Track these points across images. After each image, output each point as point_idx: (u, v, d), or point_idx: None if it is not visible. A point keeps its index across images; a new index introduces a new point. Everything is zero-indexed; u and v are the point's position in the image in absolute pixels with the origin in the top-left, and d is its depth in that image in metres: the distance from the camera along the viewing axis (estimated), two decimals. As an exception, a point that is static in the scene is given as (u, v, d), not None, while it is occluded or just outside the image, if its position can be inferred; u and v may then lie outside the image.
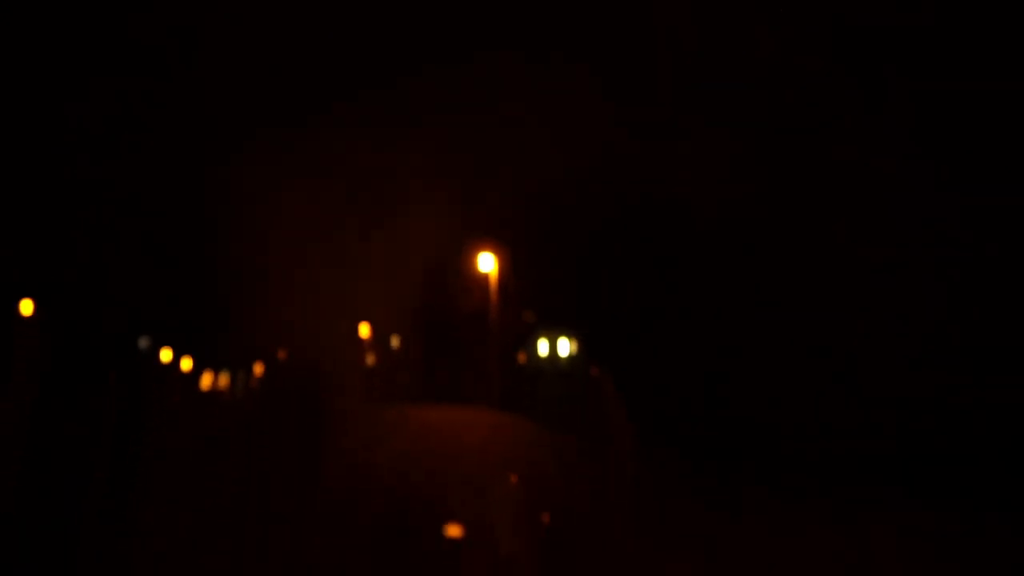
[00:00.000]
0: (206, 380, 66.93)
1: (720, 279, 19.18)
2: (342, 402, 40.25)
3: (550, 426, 24.12)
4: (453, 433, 21.99)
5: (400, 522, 9.38)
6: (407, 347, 47.62)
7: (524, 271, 29.19)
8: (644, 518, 10.97)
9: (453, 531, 8.84)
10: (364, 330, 59.71)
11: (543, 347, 41.80)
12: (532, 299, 30.94)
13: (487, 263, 30.13)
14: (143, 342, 62.96)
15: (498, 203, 27.09)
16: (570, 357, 37.42)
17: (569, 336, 36.64)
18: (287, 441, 20.61)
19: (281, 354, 64.40)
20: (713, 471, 14.98)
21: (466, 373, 36.34)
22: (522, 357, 42.25)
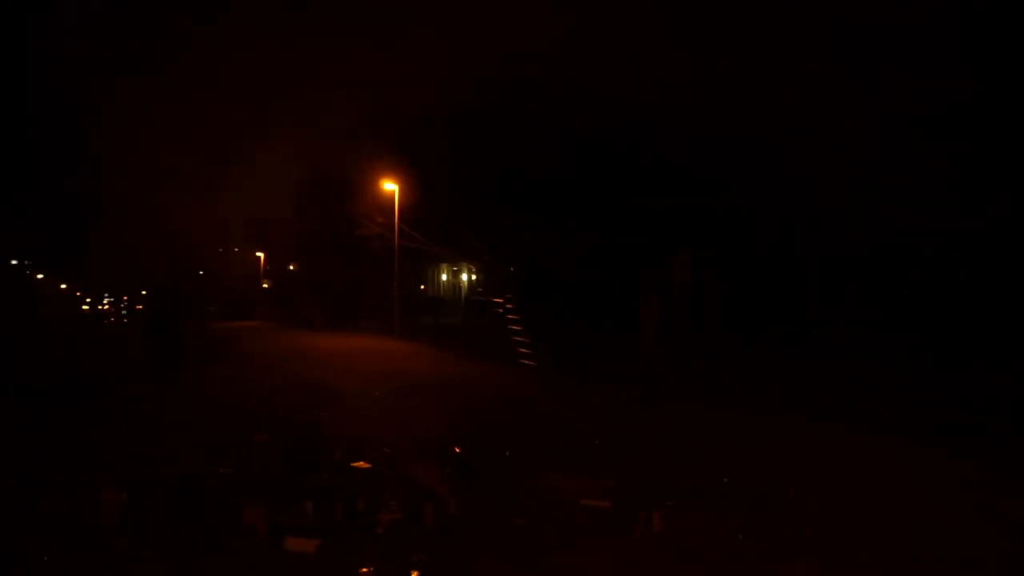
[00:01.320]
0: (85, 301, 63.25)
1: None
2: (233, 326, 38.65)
3: (454, 354, 23.65)
4: (356, 362, 21.17)
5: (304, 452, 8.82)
6: (305, 272, 46.06)
7: (430, 198, 28.16)
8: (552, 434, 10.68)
9: (360, 465, 8.20)
10: (261, 255, 57.48)
11: (444, 276, 41.13)
12: (434, 225, 30.00)
13: (391, 185, 28.91)
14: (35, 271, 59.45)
15: (402, 121, 25.74)
16: (471, 287, 36.92)
17: (471, 266, 36.01)
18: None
19: (160, 278, 61.20)
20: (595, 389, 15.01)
21: (366, 300, 35.32)
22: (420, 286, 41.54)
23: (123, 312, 61.86)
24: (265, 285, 55.37)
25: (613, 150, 19.27)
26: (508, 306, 24.21)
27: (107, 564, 5.90)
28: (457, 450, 9.12)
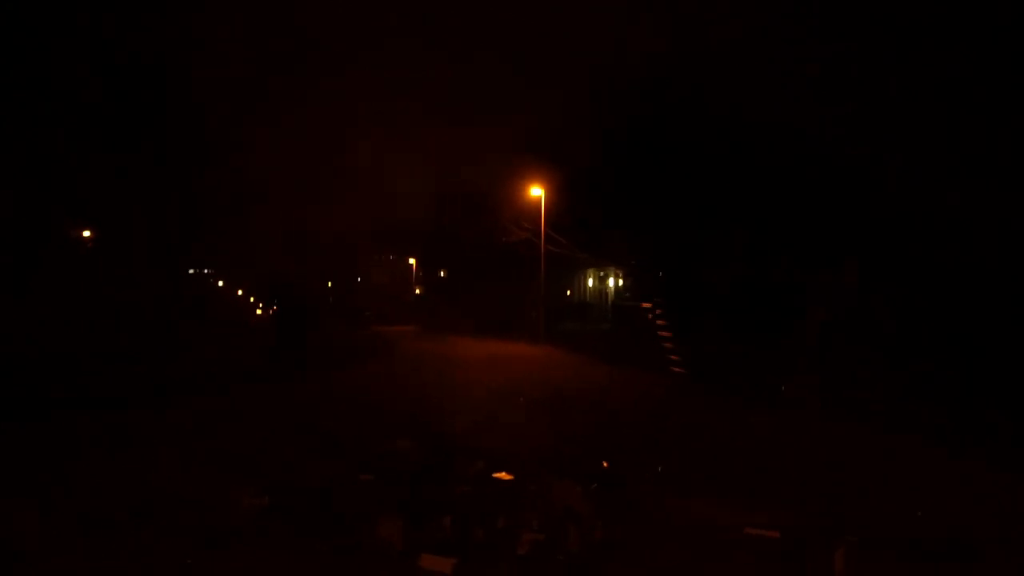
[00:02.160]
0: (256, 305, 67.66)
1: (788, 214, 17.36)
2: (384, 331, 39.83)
3: (600, 361, 22.93)
4: (501, 368, 20.94)
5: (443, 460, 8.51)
6: (454, 279, 46.89)
7: (574, 201, 27.61)
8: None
9: (503, 476, 7.71)
10: (412, 261, 59.32)
11: (591, 282, 40.44)
12: (580, 231, 29.43)
13: (537, 191, 28.62)
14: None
15: (547, 128, 25.38)
16: (618, 292, 35.97)
17: (618, 271, 35.09)
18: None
19: (332, 285, 64.43)
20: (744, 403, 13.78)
21: (513, 306, 35.25)
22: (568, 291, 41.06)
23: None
24: (417, 291, 57.03)
25: (773, 147, 17.88)
26: (657, 311, 23.19)
27: (234, 569, 5.71)
28: (604, 465, 8.45)
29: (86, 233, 36.00)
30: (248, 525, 6.43)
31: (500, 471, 8.10)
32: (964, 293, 12.73)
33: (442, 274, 51.38)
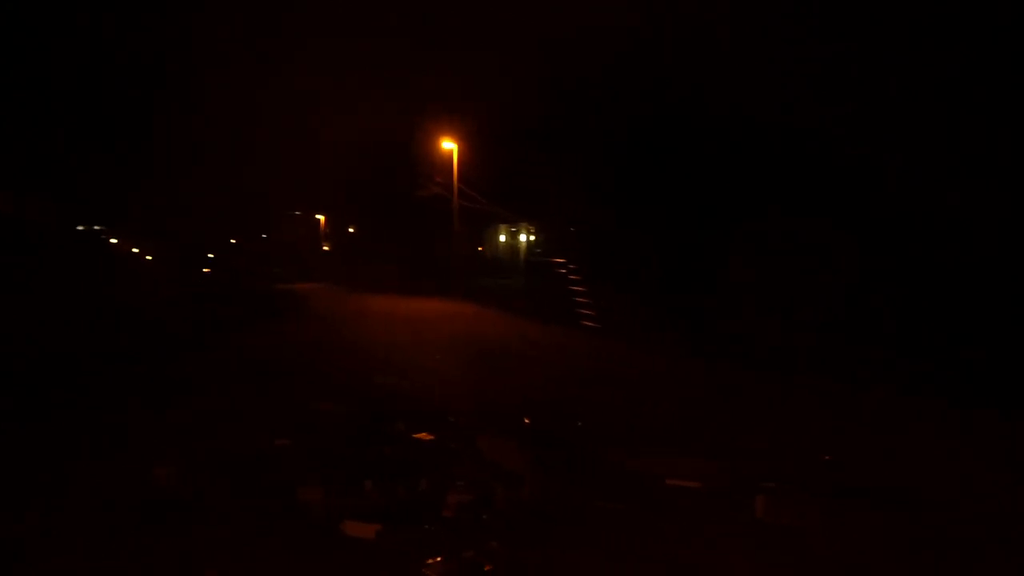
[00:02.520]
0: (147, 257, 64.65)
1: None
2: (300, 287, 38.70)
3: (515, 316, 22.92)
4: (416, 325, 20.63)
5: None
6: (364, 235, 45.85)
7: (484, 154, 27.24)
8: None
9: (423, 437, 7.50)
10: (321, 217, 57.59)
11: (503, 237, 40.30)
12: (492, 186, 29.12)
13: (449, 144, 28.04)
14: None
15: (457, 80, 24.85)
16: (530, 248, 36.00)
17: (529, 226, 35.07)
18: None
19: (236, 240, 62.10)
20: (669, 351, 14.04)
21: (425, 262, 34.78)
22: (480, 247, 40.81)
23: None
24: (325, 248, 55.54)
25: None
26: (570, 266, 23.30)
27: (152, 543, 5.32)
28: (527, 421, 8.37)
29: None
30: (165, 494, 6.02)
31: (422, 431, 7.90)
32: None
33: (351, 230, 50.21)
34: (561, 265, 24.02)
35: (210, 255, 63.17)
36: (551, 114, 23.14)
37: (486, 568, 4.97)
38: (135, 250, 61.78)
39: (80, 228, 48.48)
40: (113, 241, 60.62)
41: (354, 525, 5.47)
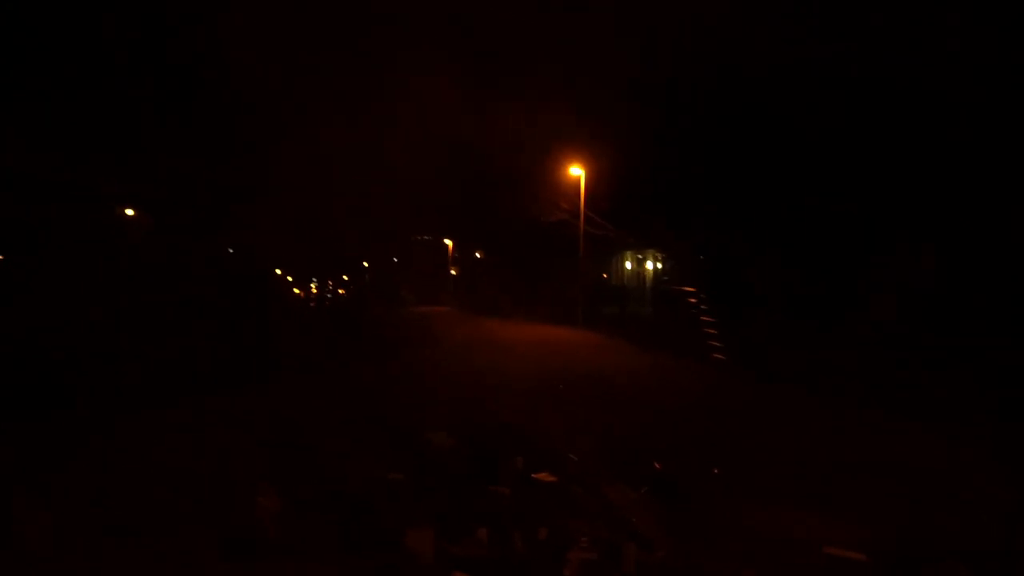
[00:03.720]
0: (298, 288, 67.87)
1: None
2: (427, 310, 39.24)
3: (641, 347, 21.99)
4: (538, 353, 20.13)
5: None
6: (491, 260, 46.10)
7: (613, 181, 26.55)
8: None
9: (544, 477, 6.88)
10: (449, 243, 58.62)
11: (628, 265, 39.32)
12: (619, 213, 28.38)
13: (577, 170, 27.57)
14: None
15: (586, 106, 24.40)
16: (657, 276, 34.85)
17: (656, 255, 33.97)
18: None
19: (366, 263, 64.20)
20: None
21: (551, 288, 34.35)
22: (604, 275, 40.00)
23: (328, 296, 65.49)
24: (453, 272, 56.30)
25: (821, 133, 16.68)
26: (700, 296, 22.16)
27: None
28: (657, 467, 7.57)
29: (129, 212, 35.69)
30: (268, 532, 5.70)
31: (542, 470, 7.28)
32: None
33: (478, 255, 50.64)
34: (690, 295, 22.91)
35: (344, 277, 65.57)
36: (680, 140, 22.31)
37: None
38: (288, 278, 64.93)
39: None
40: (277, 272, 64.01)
41: (465, 580, 4.91)
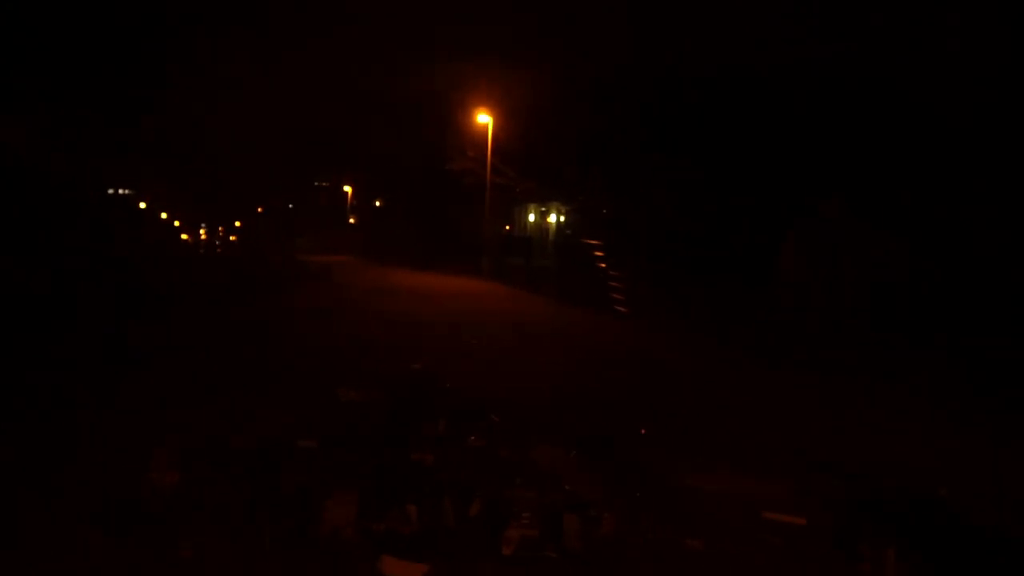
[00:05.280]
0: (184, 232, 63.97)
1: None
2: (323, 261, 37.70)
3: (548, 298, 21.76)
4: (447, 304, 19.53)
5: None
6: (393, 208, 44.64)
7: (521, 131, 25.86)
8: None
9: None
10: (348, 189, 56.43)
11: (531, 217, 38.97)
12: (525, 163, 27.78)
13: (484, 117, 26.67)
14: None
15: (495, 52, 23.53)
16: (560, 228, 34.69)
17: (560, 207, 33.74)
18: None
19: (259, 209, 61.29)
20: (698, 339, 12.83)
21: (454, 238, 33.58)
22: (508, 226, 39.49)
23: (217, 243, 62.20)
24: (352, 220, 54.43)
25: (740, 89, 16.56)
26: (605, 249, 22.03)
27: (146, 562, 4.21)
28: (590, 425, 7.17)
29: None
30: (159, 505, 4.89)
31: (466, 432, 6.72)
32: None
33: (379, 203, 49.06)
34: (594, 248, 22.77)
35: (237, 223, 62.41)
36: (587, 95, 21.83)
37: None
38: (163, 216, 61.06)
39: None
40: (143, 206, 59.94)
41: (395, 563, 4.31)
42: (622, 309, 19.18)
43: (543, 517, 4.75)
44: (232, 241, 61.23)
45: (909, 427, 8.24)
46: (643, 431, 7.34)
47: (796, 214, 14.23)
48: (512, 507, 4.93)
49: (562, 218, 35.15)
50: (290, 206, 58.92)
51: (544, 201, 35.22)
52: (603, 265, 21.48)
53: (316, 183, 57.88)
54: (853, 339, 11.92)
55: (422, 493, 5.09)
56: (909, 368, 10.74)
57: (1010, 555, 4.88)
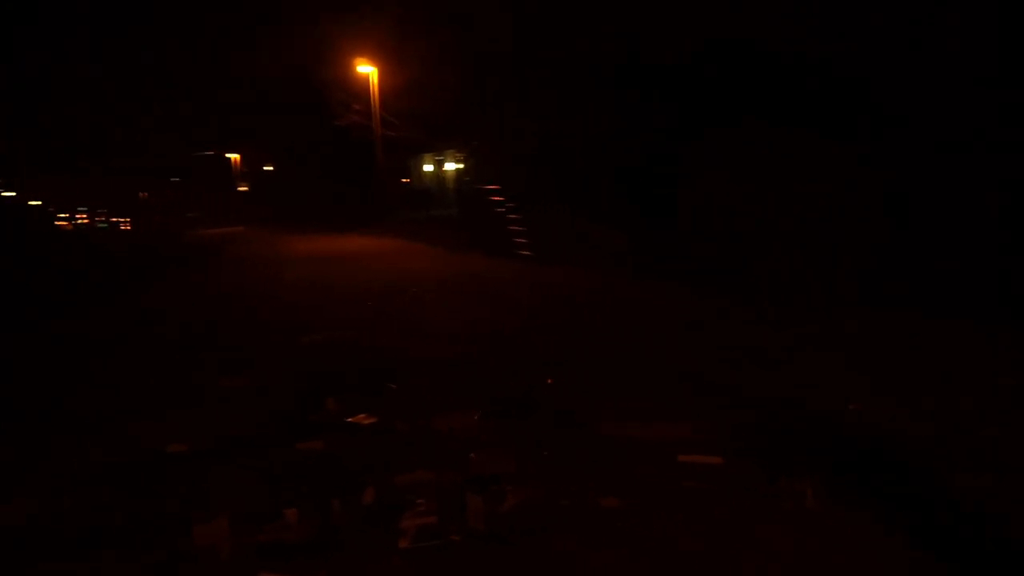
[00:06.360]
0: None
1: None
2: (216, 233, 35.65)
3: (450, 250, 21.12)
4: (346, 266, 18.64)
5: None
6: (284, 172, 42.49)
7: (409, 81, 24.69)
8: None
9: (362, 419, 5.76)
10: (234, 156, 53.43)
11: (428, 167, 37.88)
12: (414, 111, 26.67)
13: (367, 67, 25.30)
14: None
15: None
16: (459, 177, 33.87)
17: (457, 155, 32.84)
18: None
19: (143, 195, 57.65)
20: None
21: (349, 197, 32.27)
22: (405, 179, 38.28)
23: (101, 224, 58.17)
24: (242, 188, 51.71)
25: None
26: (504, 195, 21.47)
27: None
28: (549, 381, 6.70)
29: None
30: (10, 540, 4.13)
31: (359, 410, 6.14)
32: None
33: (268, 168, 46.68)
34: (493, 193, 22.17)
35: (119, 206, 58.43)
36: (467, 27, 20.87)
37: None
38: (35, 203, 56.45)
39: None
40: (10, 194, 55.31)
41: (273, 580, 3.74)
42: (526, 253, 18.79)
43: (442, 500, 4.25)
44: (114, 222, 57.35)
45: (805, 347, 8.17)
46: (549, 381, 6.94)
47: (696, 144, 13.98)
48: (407, 493, 4.42)
49: (460, 165, 34.33)
50: (174, 179, 55.44)
51: (440, 150, 34.26)
52: (502, 210, 20.95)
53: (200, 153, 54.52)
54: (749, 265, 11.91)
55: (306, 491, 4.50)
56: (797, 288, 10.81)
57: (923, 468, 4.73)
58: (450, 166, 35.37)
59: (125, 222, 55.65)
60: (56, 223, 54.56)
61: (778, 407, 5.99)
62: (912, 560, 3.71)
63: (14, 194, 57.21)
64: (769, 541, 3.92)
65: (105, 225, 58.83)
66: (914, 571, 3.63)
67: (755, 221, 12.23)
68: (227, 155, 51.68)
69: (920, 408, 5.82)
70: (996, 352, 7.49)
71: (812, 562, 3.73)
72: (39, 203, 57.83)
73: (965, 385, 6.36)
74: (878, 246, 10.58)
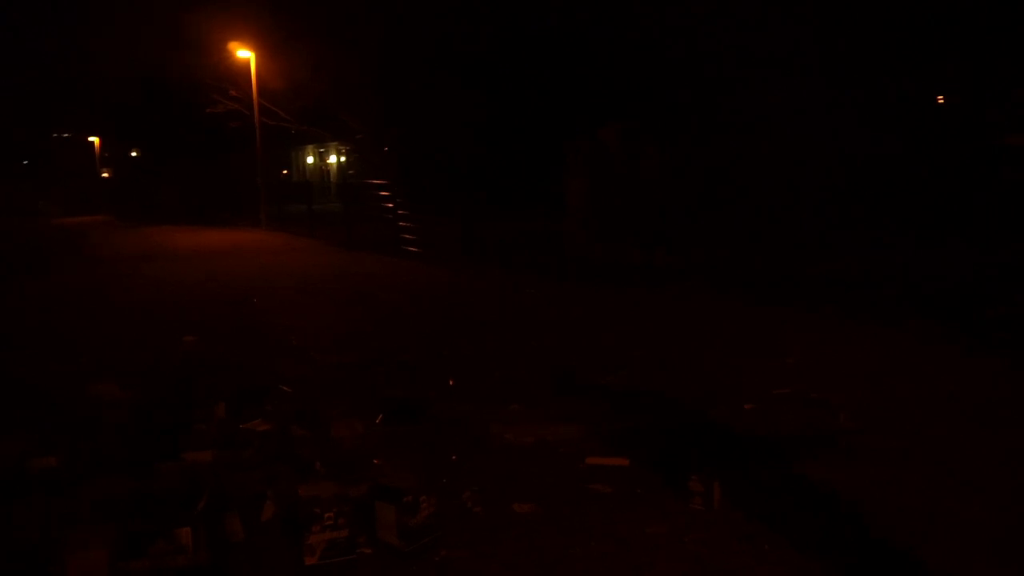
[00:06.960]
0: None
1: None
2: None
3: (333, 245, 20.46)
4: (224, 263, 17.68)
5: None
6: (153, 158, 39.77)
7: (291, 68, 23.63)
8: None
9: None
10: (95, 140, 49.45)
11: (310, 159, 36.64)
12: (296, 100, 25.60)
13: (245, 52, 24.04)
14: None
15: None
16: (342, 169, 32.94)
17: (340, 147, 31.92)
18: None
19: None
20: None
21: (225, 189, 30.67)
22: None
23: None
24: (105, 175, 48.03)
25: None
26: (392, 189, 21.04)
27: None
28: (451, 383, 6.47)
29: None
30: None
31: (252, 416, 5.75)
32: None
33: (134, 154, 43.62)
34: (379, 187, 21.69)
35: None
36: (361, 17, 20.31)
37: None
38: None
39: None
40: None
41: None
42: (413, 250, 18.49)
43: (351, 511, 4.01)
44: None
45: (692, 336, 8.41)
46: (451, 382, 6.78)
47: (577, 140, 14.21)
48: (312, 505, 4.14)
49: (343, 159, 33.42)
50: (24, 163, 50.72)
51: (323, 142, 33.18)
52: (390, 205, 20.52)
53: (55, 135, 50.13)
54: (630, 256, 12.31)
55: (198, 507, 4.13)
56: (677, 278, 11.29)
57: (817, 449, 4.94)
58: (333, 159, 34.38)
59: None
60: None
61: (674, 401, 6.11)
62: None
63: None
64: (679, 543, 3.95)
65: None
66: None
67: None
68: (88, 139, 47.81)
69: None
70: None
71: (720, 560, 3.77)
72: None
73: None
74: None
